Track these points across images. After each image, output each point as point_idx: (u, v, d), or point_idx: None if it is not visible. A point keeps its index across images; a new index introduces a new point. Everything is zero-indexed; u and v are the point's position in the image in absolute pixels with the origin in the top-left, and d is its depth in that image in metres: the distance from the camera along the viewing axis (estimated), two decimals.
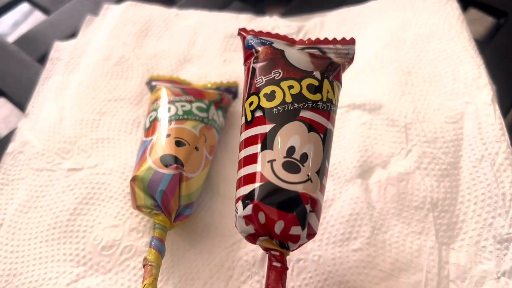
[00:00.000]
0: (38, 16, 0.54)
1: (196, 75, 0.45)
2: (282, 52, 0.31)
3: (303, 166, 0.27)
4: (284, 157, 0.27)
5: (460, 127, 0.38)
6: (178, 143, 0.34)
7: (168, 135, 0.35)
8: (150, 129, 0.36)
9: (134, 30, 0.49)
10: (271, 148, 0.27)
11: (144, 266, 0.30)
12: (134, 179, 0.33)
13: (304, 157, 0.27)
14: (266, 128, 0.28)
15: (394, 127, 0.38)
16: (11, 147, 0.40)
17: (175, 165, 0.33)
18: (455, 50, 0.42)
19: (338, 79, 0.31)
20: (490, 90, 0.39)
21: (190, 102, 0.38)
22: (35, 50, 0.49)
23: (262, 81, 0.29)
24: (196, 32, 0.48)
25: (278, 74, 0.29)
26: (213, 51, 0.47)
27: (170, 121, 0.36)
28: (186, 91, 0.39)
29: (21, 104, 0.45)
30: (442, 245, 0.33)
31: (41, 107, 0.43)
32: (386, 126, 0.39)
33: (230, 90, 0.42)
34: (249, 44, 0.32)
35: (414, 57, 0.43)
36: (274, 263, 0.27)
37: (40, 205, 0.37)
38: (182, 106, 0.37)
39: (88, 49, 0.47)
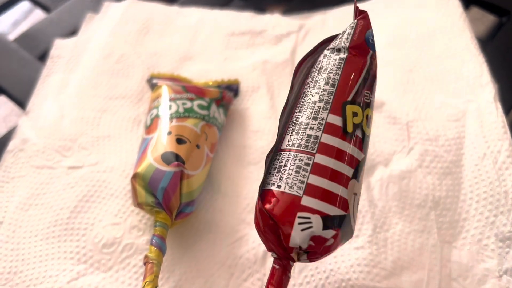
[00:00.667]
0: (38, 14, 0.54)
1: (197, 73, 0.44)
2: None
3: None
4: (360, 195, 0.27)
5: (462, 125, 0.37)
6: (179, 141, 0.34)
7: (169, 133, 0.35)
8: (151, 127, 0.36)
9: (135, 28, 0.48)
10: (358, 181, 0.26)
11: (145, 263, 0.29)
12: (135, 177, 0.33)
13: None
14: (360, 155, 0.26)
15: (396, 125, 0.38)
16: (12, 145, 0.40)
17: (176, 162, 0.33)
18: (457, 48, 0.42)
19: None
20: (492, 88, 0.39)
21: (191, 100, 0.37)
22: (35, 48, 0.49)
23: (369, 98, 0.27)
24: (197, 30, 0.48)
25: (372, 99, 0.28)
26: (214, 49, 0.47)
27: (171, 118, 0.36)
28: (187, 89, 0.39)
29: (21, 102, 0.45)
30: (444, 243, 0.33)
31: (41, 105, 0.43)
32: (387, 124, 0.39)
33: (231, 88, 0.42)
34: (370, 42, 0.29)
35: (416, 55, 0.42)
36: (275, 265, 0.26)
37: (40, 202, 0.37)
38: (183, 104, 0.37)
39: (89, 47, 0.47)
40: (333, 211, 0.24)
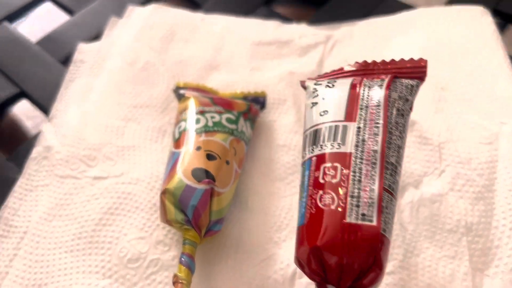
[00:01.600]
0: (61, 17, 0.53)
1: (222, 83, 0.44)
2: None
3: None
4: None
5: (495, 149, 0.37)
6: (209, 157, 0.34)
7: (199, 148, 0.34)
8: (180, 141, 0.35)
9: (159, 34, 0.48)
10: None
11: (174, 283, 0.29)
12: (164, 192, 0.32)
13: None
14: None
15: (428, 146, 0.38)
16: (35, 152, 0.40)
17: (207, 179, 0.32)
18: (490, 67, 0.41)
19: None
20: None
21: (220, 113, 0.37)
22: (58, 51, 0.49)
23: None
24: (223, 38, 0.48)
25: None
26: (240, 58, 0.46)
27: (199, 133, 0.35)
28: (215, 101, 0.38)
29: (43, 106, 0.44)
30: (476, 271, 0.32)
31: (65, 111, 0.43)
32: (418, 144, 0.38)
33: (258, 101, 0.41)
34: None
35: (448, 73, 0.42)
36: None
37: (65, 213, 0.37)
38: (212, 117, 0.36)
39: (113, 52, 0.47)
40: None
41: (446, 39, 0.44)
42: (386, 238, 0.25)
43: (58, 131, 0.41)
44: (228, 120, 0.37)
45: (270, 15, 0.51)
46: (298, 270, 0.33)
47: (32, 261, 0.35)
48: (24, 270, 0.34)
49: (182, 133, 0.36)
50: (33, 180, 0.39)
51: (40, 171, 0.39)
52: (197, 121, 0.36)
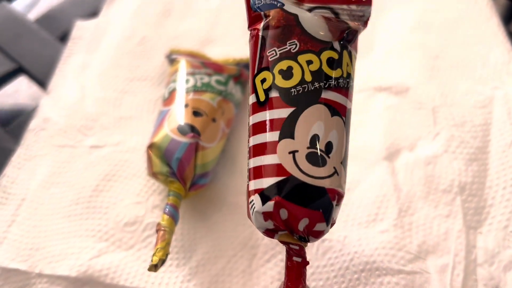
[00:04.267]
0: None
1: (218, 56, 0.44)
2: (296, 17, 0.25)
3: (329, 157, 0.24)
4: (308, 148, 0.24)
5: (489, 112, 0.37)
6: (196, 113, 0.34)
7: (186, 105, 0.35)
8: (169, 99, 0.36)
9: (156, 11, 0.48)
10: (292, 137, 0.24)
11: (157, 231, 0.30)
12: (151, 146, 0.33)
13: (329, 147, 0.24)
14: (284, 112, 0.24)
15: (422, 110, 0.38)
16: (33, 124, 0.40)
17: (192, 134, 0.33)
18: (484, 35, 0.41)
19: (355, 48, 0.27)
20: None
21: (209, 75, 0.38)
22: (56, 28, 0.49)
23: (276, 54, 0.25)
24: (219, 13, 0.48)
25: (294, 46, 0.25)
26: (235, 32, 0.46)
27: (188, 92, 0.36)
28: (205, 64, 0.39)
29: (42, 81, 0.45)
30: (469, 228, 0.32)
31: (63, 85, 0.43)
32: (413, 109, 0.38)
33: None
34: (256, 5, 0.27)
35: (442, 41, 0.42)
36: (295, 258, 0.25)
37: (62, 181, 0.37)
38: (201, 78, 0.37)
39: (110, 29, 0.47)
40: (265, 182, 0.24)
41: (442, 8, 0.44)
42: None
43: (56, 103, 0.42)
44: (217, 81, 0.37)
45: None
46: None
47: (30, 226, 0.35)
48: (22, 235, 0.35)
49: (171, 92, 0.37)
50: (31, 150, 0.39)
51: (38, 141, 0.39)
52: (187, 81, 0.37)
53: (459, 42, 0.42)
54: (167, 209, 0.31)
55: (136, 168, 0.37)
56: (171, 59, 0.41)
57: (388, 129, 0.37)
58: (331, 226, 0.25)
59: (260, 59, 0.26)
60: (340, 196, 0.24)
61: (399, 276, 0.31)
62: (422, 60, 0.41)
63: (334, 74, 0.25)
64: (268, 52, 0.25)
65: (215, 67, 0.39)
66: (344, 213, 0.34)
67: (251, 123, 0.26)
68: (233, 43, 0.45)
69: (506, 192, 0.33)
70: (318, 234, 0.24)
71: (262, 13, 0.26)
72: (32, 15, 0.51)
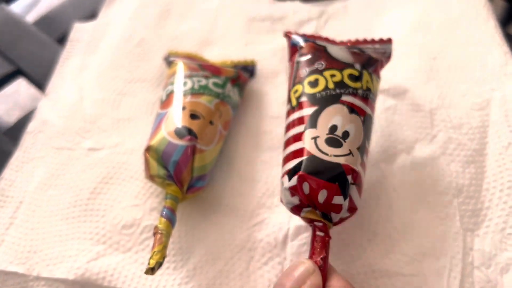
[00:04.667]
0: None
1: (217, 57, 0.44)
2: (324, 47, 0.33)
3: (345, 142, 0.29)
4: (327, 134, 0.29)
5: (487, 114, 0.37)
6: (193, 116, 0.34)
7: (184, 108, 0.35)
8: (166, 102, 0.36)
9: (155, 12, 0.48)
10: (315, 127, 0.29)
11: (154, 234, 0.30)
12: (148, 149, 0.33)
13: (346, 134, 0.29)
14: (310, 110, 0.30)
15: (419, 112, 0.38)
16: (31, 126, 0.40)
17: (189, 136, 0.33)
18: (481, 37, 0.41)
19: (377, 73, 0.33)
20: None
21: (207, 77, 0.38)
22: (54, 31, 0.49)
23: (306, 72, 0.32)
24: (218, 14, 0.48)
25: (321, 66, 0.32)
26: (234, 34, 0.46)
27: (185, 94, 0.36)
28: (203, 66, 0.39)
29: (41, 83, 0.45)
30: (466, 231, 0.32)
31: (61, 87, 0.43)
32: (410, 111, 0.38)
33: (247, 69, 0.42)
34: (294, 42, 0.35)
35: (440, 43, 0.42)
36: (318, 233, 0.28)
37: (60, 183, 0.37)
38: (199, 81, 0.37)
39: (109, 30, 0.47)
40: (292, 164, 0.29)
41: (439, 10, 0.44)
42: None
43: (54, 105, 0.42)
44: (215, 84, 0.37)
45: None
46: (290, 233, 0.33)
47: (28, 228, 0.35)
48: (20, 238, 0.35)
49: (169, 95, 0.37)
50: (29, 153, 0.39)
51: (36, 144, 0.39)
52: (184, 84, 0.37)
53: (457, 44, 0.42)
54: (164, 212, 0.31)
55: (134, 170, 0.37)
56: (169, 62, 0.41)
57: (386, 131, 0.37)
58: (353, 211, 0.29)
59: (295, 78, 0.33)
60: (355, 174, 0.28)
61: (396, 278, 0.31)
62: (420, 61, 0.41)
63: (353, 85, 0.31)
64: (301, 72, 0.32)
65: (213, 70, 0.39)
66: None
67: (286, 125, 0.32)
68: (231, 44, 0.46)
69: (503, 195, 0.33)
70: (338, 209, 0.28)
71: (298, 46, 0.34)
72: (31, 17, 0.51)
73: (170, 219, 0.30)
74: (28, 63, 0.46)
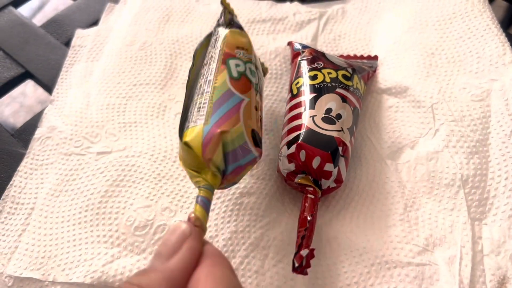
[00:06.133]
0: (64, 1, 0.54)
1: None
2: (323, 53, 0.40)
3: (338, 121, 0.34)
4: (323, 114, 0.34)
5: (487, 105, 0.38)
6: (260, 122, 0.33)
7: (256, 108, 0.32)
8: (240, 83, 0.32)
9: (155, 17, 0.49)
10: (313, 108, 0.35)
11: (188, 219, 0.26)
12: (226, 132, 0.29)
13: (339, 116, 0.35)
14: (309, 96, 0.36)
15: (421, 108, 0.39)
16: (39, 133, 0.41)
17: (261, 150, 0.31)
18: (478, 29, 0.42)
19: (365, 80, 0.40)
20: None
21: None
22: (62, 34, 0.50)
23: (307, 68, 0.38)
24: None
25: (320, 65, 0.38)
26: None
27: (258, 91, 0.33)
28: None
29: (49, 86, 0.46)
30: (474, 220, 0.33)
31: (66, 93, 0.43)
32: (412, 108, 0.39)
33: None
34: (297, 48, 0.42)
35: (438, 38, 0.43)
36: (309, 195, 0.32)
37: (70, 188, 0.37)
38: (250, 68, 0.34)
39: (111, 36, 0.48)
40: (291, 136, 0.34)
41: (435, 6, 0.45)
42: None
43: (60, 112, 0.42)
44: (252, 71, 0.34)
45: None
46: None
47: (41, 235, 0.35)
48: (33, 244, 0.35)
49: (242, 75, 0.33)
50: (38, 160, 0.39)
51: (44, 150, 0.40)
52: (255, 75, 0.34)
53: (454, 37, 0.43)
54: (199, 198, 0.28)
55: (144, 172, 0.38)
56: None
57: (390, 129, 0.38)
58: (339, 184, 0.33)
59: (297, 73, 0.39)
60: (345, 147, 0.33)
61: (409, 268, 0.31)
62: (418, 58, 0.42)
63: (346, 82, 0.37)
64: (302, 69, 0.39)
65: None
66: (349, 211, 0.35)
67: (287, 108, 0.37)
68: None
69: (508, 183, 0.34)
70: (328, 175, 0.32)
71: (300, 50, 0.41)
72: (38, 20, 0.51)
73: (206, 207, 0.28)
74: (36, 66, 0.47)
